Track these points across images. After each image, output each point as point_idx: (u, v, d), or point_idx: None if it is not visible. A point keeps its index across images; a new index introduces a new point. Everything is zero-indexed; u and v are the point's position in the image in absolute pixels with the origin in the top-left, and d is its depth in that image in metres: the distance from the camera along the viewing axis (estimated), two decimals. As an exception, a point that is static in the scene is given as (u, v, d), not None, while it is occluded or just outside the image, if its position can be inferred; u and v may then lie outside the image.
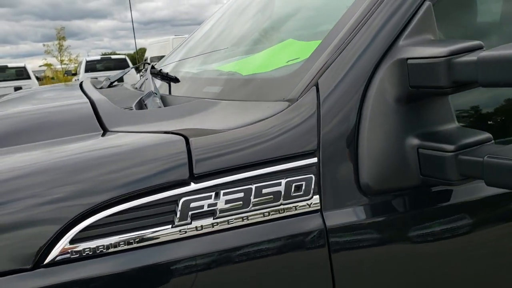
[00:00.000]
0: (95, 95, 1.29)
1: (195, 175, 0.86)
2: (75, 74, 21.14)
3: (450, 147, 0.89)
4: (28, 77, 16.42)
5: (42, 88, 2.01)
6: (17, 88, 15.87)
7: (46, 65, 27.73)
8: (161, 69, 1.59)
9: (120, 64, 17.68)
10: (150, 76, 1.43)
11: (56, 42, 24.60)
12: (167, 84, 1.53)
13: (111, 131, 1.02)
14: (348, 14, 1.09)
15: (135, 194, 0.83)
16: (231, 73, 1.27)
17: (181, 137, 0.90)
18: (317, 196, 0.91)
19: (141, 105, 1.20)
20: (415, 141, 0.95)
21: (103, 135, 1.01)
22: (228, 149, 0.89)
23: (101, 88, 1.91)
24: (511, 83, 0.77)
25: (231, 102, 1.10)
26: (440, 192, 1.00)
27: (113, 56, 19.77)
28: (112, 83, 2.00)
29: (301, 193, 0.90)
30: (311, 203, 0.91)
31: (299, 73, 1.04)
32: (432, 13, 1.00)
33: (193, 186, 0.85)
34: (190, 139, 0.89)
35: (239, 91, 1.16)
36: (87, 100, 1.20)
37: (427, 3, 1.00)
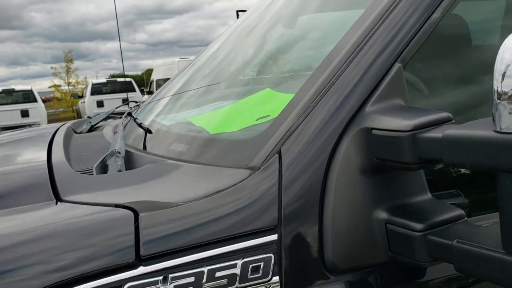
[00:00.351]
0: (57, 155, 1.24)
1: (142, 257, 0.79)
2: (81, 97, 21.32)
3: (419, 226, 0.82)
4: (35, 100, 16.56)
5: (17, 135, 1.97)
6: (23, 111, 16.02)
7: (54, 86, 28.00)
8: (136, 118, 1.55)
9: (126, 87, 17.78)
10: (121, 129, 1.38)
11: (64, 64, 24.90)
12: (144, 133, 1.48)
13: (64, 201, 0.96)
14: (316, 74, 1.04)
15: (75, 279, 0.76)
16: (199, 130, 1.22)
17: (130, 212, 0.84)
18: (277, 277, 0.84)
19: (103, 165, 1.14)
20: (383, 215, 0.88)
21: (54, 204, 0.96)
22: (180, 227, 0.83)
23: (80, 132, 1.87)
24: (478, 165, 0.70)
25: (193, 166, 1.04)
26: (411, 269, 0.92)
27: (118, 79, 19.93)
28: (93, 126, 1.95)
29: (259, 274, 0.83)
30: (270, 286, 0.84)
31: (263, 137, 0.98)
32: (403, 76, 0.95)
33: (139, 270, 0.79)
34: (140, 215, 0.83)
35: (203, 152, 1.10)
36: (45, 162, 1.15)
37: (397, 65, 0.95)
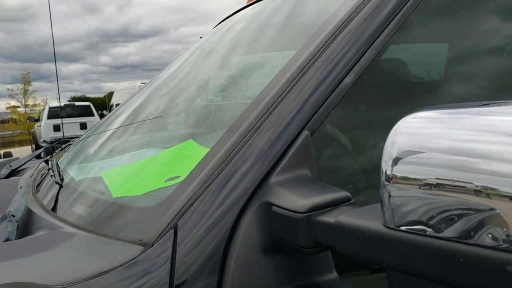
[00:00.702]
0: None
1: None
2: (37, 120, 20.70)
3: None
4: (-13, 123, 15.97)
5: None
6: (-26, 135, 15.41)
7: (11, 108, 27.09)
8: (50, 168, 1.44)
9: (85, 111, 17.44)
10: (26, 184, 1.27)
11: (21, 86, 24.14)
12: (58, 187, 1.37)
13: None
14: (227, 135, 0.98)
15: None
16: (102, 191, 1.13)
17: None
18: None
19: (-6, 230, 1.03)
20: (284, 298, 0.82)
21: None
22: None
23: (-4, 178, 1.74)
24: (368, 259, 0.65)
25: (87, 236, 0.95)
26: None
27: (77, 103, 19.50)
28: (14, 170, 1.82)
29: None
30: None
31: (162, 207, 0.90)
32: (311, 145, 0.90)
33: None
34: None
35: (101, 220, 1.01)
36: None
37: (305, 133, 0.90)
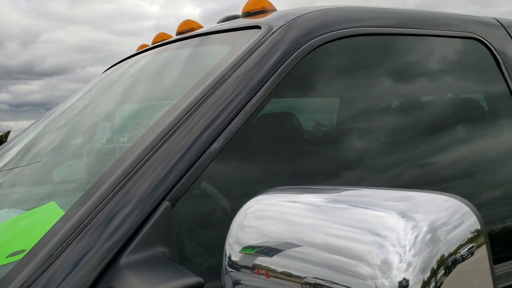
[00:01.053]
0: None
1: None
2: None
3: None
4: None
5: None
6: None
7: None
8: None
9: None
10: None
11: None
12: None
13: None
14: (80, 203, 0.87)
15: None
16: None
17: None
18: None
19: None
20: None
21: None
22: None
23: None
24: None
25: None
26: None
27: (-34, 143, 17.90)
28: None
29: None
30: None
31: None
32: (171, 217, 0.81)
33: None
34: None
35: None
36: None
37: (165, 204, 0.81)
